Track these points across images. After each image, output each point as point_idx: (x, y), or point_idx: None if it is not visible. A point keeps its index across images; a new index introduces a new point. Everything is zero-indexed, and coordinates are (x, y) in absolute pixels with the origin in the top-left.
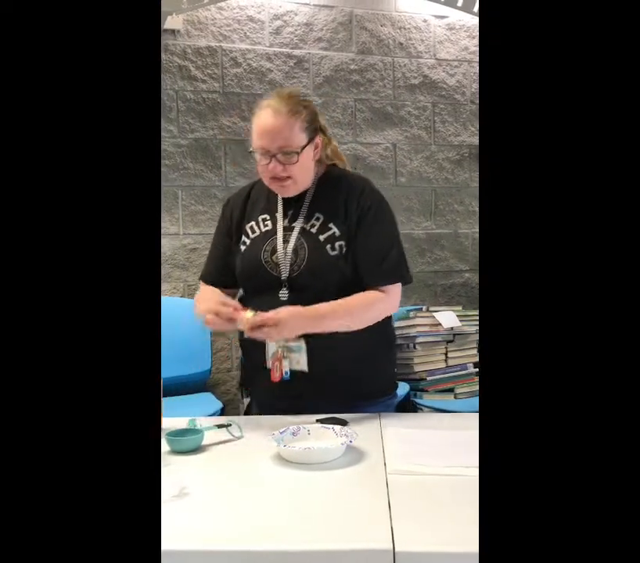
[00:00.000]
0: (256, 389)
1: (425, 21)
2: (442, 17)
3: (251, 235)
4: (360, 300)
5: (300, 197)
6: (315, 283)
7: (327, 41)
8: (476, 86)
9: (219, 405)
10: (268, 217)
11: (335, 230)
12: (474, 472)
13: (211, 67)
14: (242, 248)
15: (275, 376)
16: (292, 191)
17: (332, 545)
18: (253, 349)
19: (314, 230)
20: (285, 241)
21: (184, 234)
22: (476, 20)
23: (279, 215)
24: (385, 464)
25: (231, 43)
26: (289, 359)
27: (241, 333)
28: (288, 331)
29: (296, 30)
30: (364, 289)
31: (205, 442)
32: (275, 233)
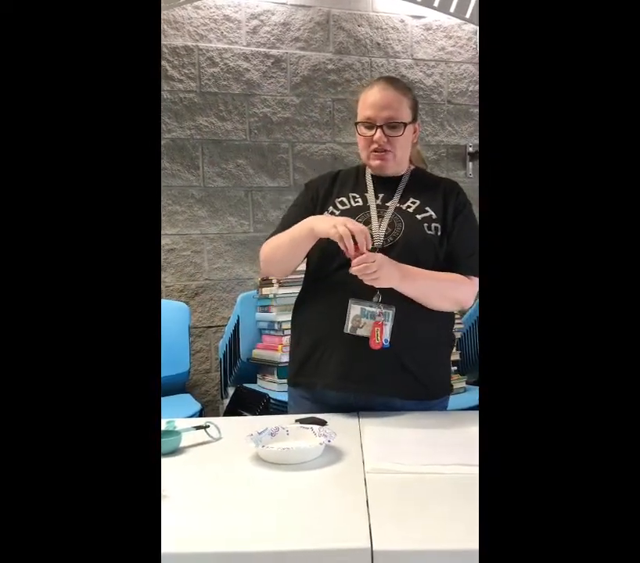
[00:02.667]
0: (316, 372)
1: (402, 21)
2: (419, 17)
3: (340, 207)
4: (450, 277)
5: (393, 181)
6: (408, 258)
7: (304, 40)
8: (452, 86)
9: (198, 406)
10: (358, 196)
11: (431, 213)
12: (451, 470)
13: (188, 67)
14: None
15: (375, 343)
16: (390, 166)
17: (310, 545)
18: (324, 323)
19: (410, 210)
20: (380, 216)
21: (161, 235)
22: (452, 21)
23: (370, 195)
24: (363, 463)
25: (208, 42)
26: (387, 326)
27: (296, 312)
28: (382, 276)
29: (273, 29)
30: None
31: (183, 443)
32: (368, 208)
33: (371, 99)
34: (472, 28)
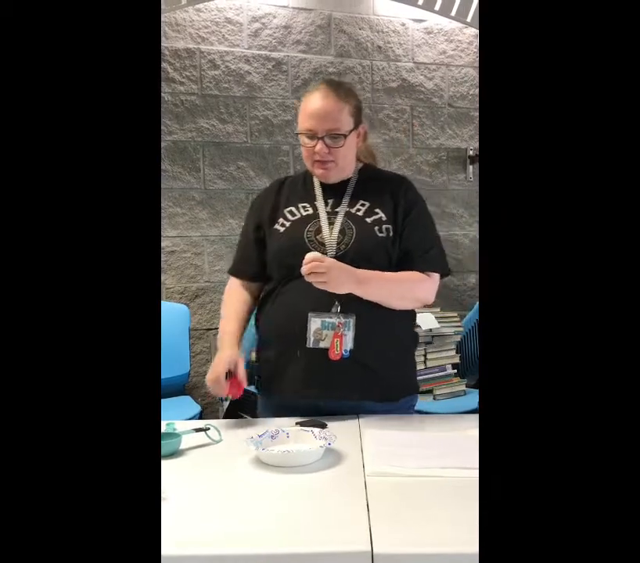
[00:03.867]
0: (282, 380)
1: (403, 25)
2: (420, 21)
3: (290, 218)
4: (408, 276)
5: (341, 185)
6: (362, 263)
7: (305, 43)
8: (453, 89)
9: (197, 409)
10: (308, 205)
11: (382, 214)
12: (451, 473)
13: (189, 69)
14: (281, 229)
15: (334, 354)
16: (333, 175)
17: (311, 547)
18: (286, 335)
19: (360, 213)
20: (331, 223)
21: (162, 237)
22: (453, 24)
23: (319, 203)
24: (363, 466)
25: (210, 45)
26: (346, 336)
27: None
28: (333, 282)
29: (274, 32)
30: None
31: (183, 446)
32: (317, 216)
33: (311, 108)
34: (473, 32)
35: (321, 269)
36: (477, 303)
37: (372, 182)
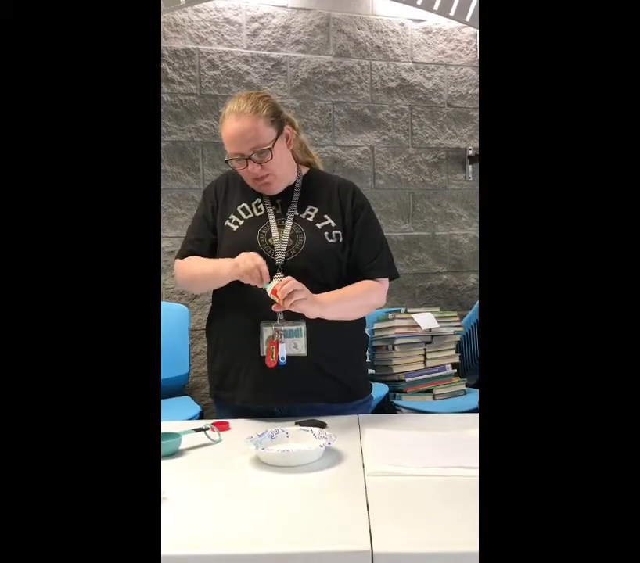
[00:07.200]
0: (238, 388)
1: (402, 24)
2: (419, 21)
3: (244, 216)
4: (360, 288)
5: (288, 189)
6: (312, 268)
7: (304, 43)
8: (452, 89)
9: (197, 409)
10: (260, 202)
11: (331, 221)
12: (452, 473)
13: (188, 69)
14: (234, 227)
15: (271, 361)
16: (276, 187)
17: (311, 547)
18: (238, 343)
19: (310, 219)
20: (281, 226)
21: (162, 238)
22: (452, 24)
23: (267, 205)
24: (363, 466)
25: (209, 45)
26: (285, 343)
27: (216, 331)
28: (309, 299)
29: (273, 32)
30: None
31: (183, 446)
32: (268, 218)
33: (229, 133)
34: (472, 31)
35: (303, 295)
36: (477, 302)
37: (318, 188)
